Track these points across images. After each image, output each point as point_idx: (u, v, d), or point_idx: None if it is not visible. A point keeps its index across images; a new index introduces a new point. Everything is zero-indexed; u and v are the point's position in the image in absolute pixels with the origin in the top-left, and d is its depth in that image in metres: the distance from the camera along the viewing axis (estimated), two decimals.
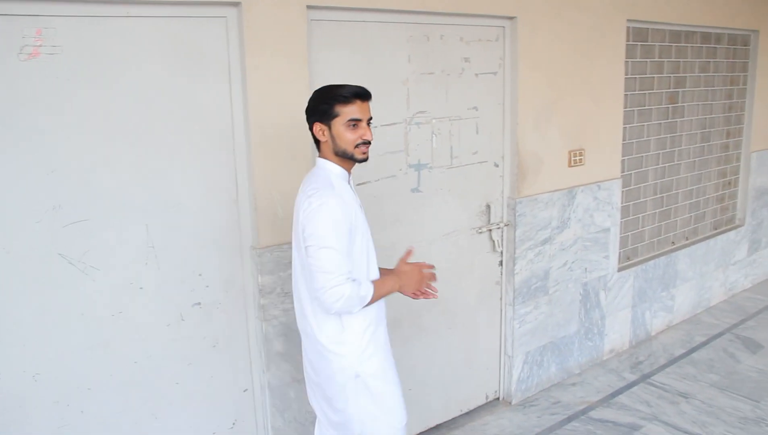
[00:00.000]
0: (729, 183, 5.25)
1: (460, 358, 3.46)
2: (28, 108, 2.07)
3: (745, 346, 4.36)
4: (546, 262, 3.66)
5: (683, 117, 4.63)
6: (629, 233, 4.37)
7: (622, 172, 4.16)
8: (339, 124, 2.02)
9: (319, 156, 2.13)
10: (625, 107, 4.07)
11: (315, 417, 2.75)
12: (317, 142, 2.12)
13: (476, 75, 3.21)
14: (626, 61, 3.97)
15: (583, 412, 3.55)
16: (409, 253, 2.25)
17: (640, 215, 4.45)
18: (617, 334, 4.25)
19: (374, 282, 2.09)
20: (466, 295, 3.42)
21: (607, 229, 4.01)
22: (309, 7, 2.55)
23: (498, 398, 3.72)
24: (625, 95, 4.05)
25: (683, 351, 4.31)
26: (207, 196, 2.48)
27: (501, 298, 3.59)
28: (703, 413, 3.48)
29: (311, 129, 2.10)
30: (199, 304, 2.52)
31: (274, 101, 2.50)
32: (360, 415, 2.14)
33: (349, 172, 2.14)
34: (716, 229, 5.20)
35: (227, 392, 2.65)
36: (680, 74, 4.51)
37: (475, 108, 3.24)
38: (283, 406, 2.72)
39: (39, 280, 2.16)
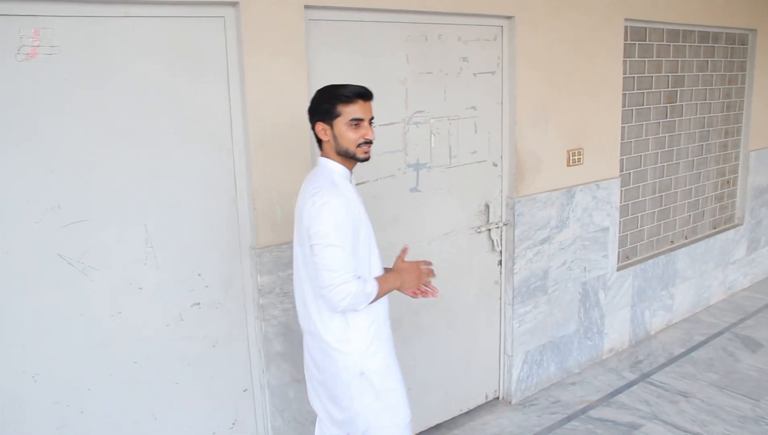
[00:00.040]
0: (728, 182, 5.25)
1: (460, 357, 3.46)
2: (26, 108, 2.07)
3: (745, 345, 4.36)
4: (545, 262, 3.66)
5: (681, 116, 4.63)
6: (628, 232, 4.37)
7: (621, 171, 4.17)
8: (341, 123, 2.04)
9: (321, 155, 2.15)
10: (624, 106, 4.08)
11: (314, 417, 2.75)
12: (319, 141, 2.13)
13: (474, 74, 3.22)
14: (624, 61, 3.98)
15: (583, 411, 3.55)
16: (404, 251, 2.28)
17: (639, 214, 4.45)
18: (617, 333, 4.25)
19: (378, 279, 2.11)
20: (466, 295, 3.42)
21: (606, 229, 4.01)
22: (307, 6, 2.55)
23: (498, 398, 3.72)
24: (624, 94, 4.05)
25: (683, 350, 4.31)
26: (206, 196, 2.48)
27: (500, 298, 3.59)
28: (703, 412, 3.49)
29: (313, 128, 2.12)
30: (199, 304, 2.52)
31: (273, 101, 2.50)
32: (365, 412, 2.16)
33: (351, 172, 2.16)
34: (715, 228, 5.21)
35: (227, 392, 2.65)
36: (678, 73, 4.51)
37: (474, 107, 3.24)
38: (282, 406, 2.72)
39: (38, 281, 2.16)
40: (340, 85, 2.06)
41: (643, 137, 4.35)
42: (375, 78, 2.79)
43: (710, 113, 4.90)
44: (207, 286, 2.53)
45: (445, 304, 3.31)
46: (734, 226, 5.31)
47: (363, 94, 2.05)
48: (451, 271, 3.30)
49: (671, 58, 4.42)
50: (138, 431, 2.44)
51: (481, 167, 3.35)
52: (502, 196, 3.47)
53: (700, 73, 4.71)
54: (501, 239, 3.50)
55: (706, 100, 4.82)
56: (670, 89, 4.47)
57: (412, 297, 2.27)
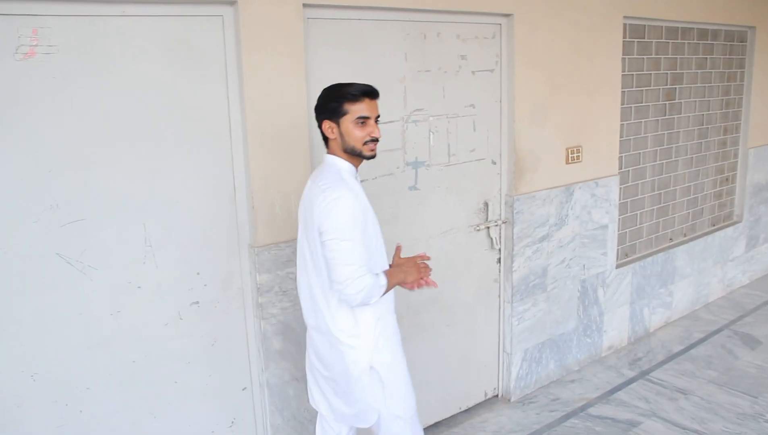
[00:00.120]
0: (726, 179, 5.26)
1: (459, 355, 3.46)
2: (24, 108, 2.07)
3: (744, 342, 4.37)
4: (544, 260, 3.66)
5: (680, 114, 4.63)
6: (627, 230, 4.37)
7: (620, 168, 4.17)
8: (348, 121, 2.06)
9: (328, 152, 2.17)
10: (622, 104, 4.08)
11: (314, 415, 2.76)
12: (326, 139, 2.16)
13: (473, 72, 3.21)
14: (623, 58, 3.98)
15: (582, 408, 3.56)
16: (398, 249, 2.34)
17: (638, 212, 4.45)
18: (616, 330, 4.26)
19: (385, 273, 2.15)
20: (465, 293, 3.42)
21: (605, 226, 4.02)
22: (305, 5, 2.55)
23: (497, 395, 3.72)
24: (622, 92, 4.05)
25: (682, 347, 4.32)
26: (205, 194, 2.48)
27: (499, 296, 3.60)
28: (702, 409, 3.49)
29: (320, 126, 2.14)
30: (198, 302, 2.52)
31: (271, 100, 2.50)
32: (376, 404, 2.19)
33: (357, 169, 2.18)
34: (714, 225, 5.21)
35: (226, 391, 2.65)
36: (677, 71, 4.51)
37: (472, 105, 3.24)
38: (281, 405, 2.73)
39: (37, 280, 2.16)
40: (346, 84, 2.08)
41: (642, 135, 4.34)
42: (373, 76, 2.78)
43: (709, 110, 4.90)
44: (206, 285, 2.53)
45: (444, 302, 3.31)
46: (733, 224, 5.31)
47: (369, 93, 2.08)
48: (450, 270, 3.30)
49: (670, 56, 4.42)
50: (137, 430, 2.44)
51: (479, 165, 3.35)
52: (501, 194, 3.47)
53: (698, 71, 4.71)
54: (500, 237, 3.51)
55: (704, 97, 4.82)
56: (668, 87, 4.47)
57: (410, 289, 2.29)
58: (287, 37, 2.51)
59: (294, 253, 2.60)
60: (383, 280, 2.09)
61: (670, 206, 4.73)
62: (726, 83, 5.01)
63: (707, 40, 4.71)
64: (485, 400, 3.67)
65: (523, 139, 3.42)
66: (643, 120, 4.32)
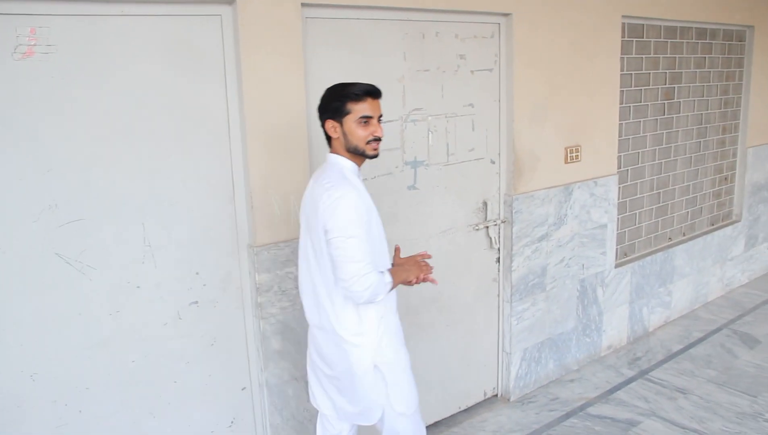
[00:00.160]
0: (725, 178, 5.26)
1: (458, 355, 3.46)
2: (23, 108, 2.07)
3: (743, 341, 4.37)
4: (543, 259, 3.66)
5: (679, 113, 4.63)
6: (626, 229, 4.37)
7: (619, 168, 4.17)
8: (351, 121, 2.08)
9: (331, 152, 2.18)
10: (621, 103, 4.08)
11: (313, 415, 2.76)
12: (328, 138, 2.17)
13: (472, 72, 3.21)
14: (622, 57, 3.98)
15: (581, 408, 3.56)
16: (397, 250, 2.37)
17: (637, 211, 4.45)
18: (615, 330, 4.26)
19: (390, 271, 2.17)
20: (464, 293, 3.42)
21: (604, 226, 4.02)
22: (304, 4, 2.55)
23: (496, 395, 3.72)
24: (621, 91, 4.05)
25: (681, 347, 4.32)
26: (203, 194, 2.48)
27: (498, 295, 3.60)
28: (701, 409, 3.49)
29: (323, 126, 2.16)
30: (197, 302, 2.52)
31: (270, 99, 2.50)
32: (380, 401, 2.21)
33: (359, 168, 2.19)
34: (713, 224, 5.21)
35: (225, 391, 2.65)
36: (676, 70, 4.52)
37: (471, 105, 3.24)
38: (281, 404, 2.73)
39: (36, 280, 2.16)
40: (349, 84, 2.10)
41: (641, 134, 4.35)
42: (372, 76, 2.78)
43: (708, 110, 4.90)
44: (205, 285, 2.53)
45: (443, 301, 3.31)
46: (732, 223, 5.31)
47: (372, 92, 2.10)
48: (450, 269, 3.30)
49: (669, 55, 4.42)
50: (137, 430, 2.44)
51: (478, 165, 3.35)
52: (499, 194, 3.47)
53: (697, 70, 4.71)
54: (499, 236, 3.51)
55: (703, 96, 4.83)
56: (667, 86, 4.47)
57: (409, 285, 2.29)
58: (286, 36, 2.51)
59: (293, 252, 2.61)
60: (388, 278, 2.11)
61: (669, 205, 4.73)
62: (724, 82, 5.01)
63: (706, 39, 4.71)
64: (485, 400, 3.67)
65: (521, 139, 3.42)
66: (641, 119, 4.32)
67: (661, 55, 4.35)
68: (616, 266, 4.21)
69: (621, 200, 4.25)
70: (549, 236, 3.67)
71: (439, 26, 3.05)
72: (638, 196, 4.43)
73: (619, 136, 4.10)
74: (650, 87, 4.32)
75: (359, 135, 2.08)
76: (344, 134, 2.10)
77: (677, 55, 4.49)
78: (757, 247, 5.61)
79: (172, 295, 2.45)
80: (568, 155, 3.69)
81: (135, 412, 2.43)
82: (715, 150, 5.07)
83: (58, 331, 2.22)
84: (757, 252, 5.63)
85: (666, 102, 4.49)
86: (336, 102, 2.08)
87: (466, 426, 3.42)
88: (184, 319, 2.49)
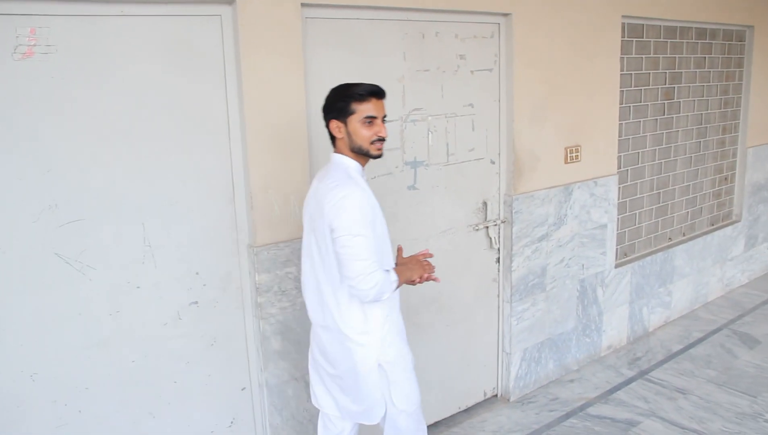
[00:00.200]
0: (725, 179, 5.26)
1: (458, 355, 3.46)
2: (23, 108, 2.07)
3: (743, 341, 4.37)
4: (543, 259, 3.66)
5: (679, 113, 4.63)
6: (626, 229, 4.37)
7: (619, 168, 4.17)
8: (355, 121, 2.09)
9: (335, 151, 2.19)
10: (621, 103, 4.08)
11: (312, 415, 2.76)
12: (333, 138, 2.18)
13: (471, 72, 3.21)
14: (621, 57, 3.98)
15: (581, 408, 3.56)
16: (400, 250, 2.39)
17: (637, 211, 4.45)
18: (615, 330, 4.26)
19: (395, 270, 2.19)
20: (464, 293, 3.42)
21: (604, 226, 4.02)
22: (303, 5, 2.55)
23: (496, 395, 3.72)
24: (621, 91, 4.05)
25: (681, 347, 4.32)
26: (203, 194, 2.48)
27: (498, 295, 3.60)
28: (701, 409, 3.49)
29: (328, 126, 2.17)
30: (197, 302, 2.52)
31: (270, 99, 2.50)
32: (383, 400, 2.22)
33: (363, 168, 2.20)
34: (713, 224, 5.21)
35: (225, 391, 2.65)
36: (676, 70, 4.52)
37: (471, 105, 3.24)
38: (281, 404, 2.72)
39: (35, 280, 2.16)
40: (354, 84, 2.11)
41: (641, 134, 4.35)
42: (372, 76, 2.78)
43: (708, 110, 4.90)
44: (205, 285, 2.53)
45: (443, 302, 3.31)
46: (732, 223, 5.31)
47: (376, 93, 2.11)
48: (449, 269, 3.30)
49: (668, 55, 4.42)
50: (136, 430, 2.44)
51: (478, 165, 3.35)
52: (499, 194, 3.47)
53: (697, 70, 4.71)
54: (499, 237, 3.51)
55: (703, 96, 4.83)
56: (667, 86, 4.47)
57: (412, 284, 2.31)
58: (286, 36, 2.51)
59: (293, 252, 2.61)
60: (394, 276, 2.13)
61: (669, 205, 4.73)
62: (724, 83, 5.01)
63: (706, 39, 4.71)
64: (484, 400, 3.67)
65: (521, 139, 3.42)
66: (641, 119, 4.32)
67: (660, 55, 4.35)
68: (616, 266, 4.21)
69: (621, 200, 4.25)
70: (549, 236, 3.67)
71: (438, 26, 3.05)
72: (638, 196, 4.43)
73: (619, 136, 4.10)
74: (650, 87, 4.32)
75: (363, 135, 2.10)
76: (348, 134, 2.11)
77: (677, 55, 4.49)
78: (757, 247, 5.61)
79: (171, 295, 2.45)
80: (568, 155, 3.69)
81: (135, 412, 2.43)
82: (715, 150, 5.07)
83: (57, 331, 2.22)
84: (757, 252, 5.63)
85: (666, 102, 4.49)
86: (340, 102, 2.10)
87: (466, 426, 3.42)
88: (184, 319, 2.49)
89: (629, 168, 4.31)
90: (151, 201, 2.35)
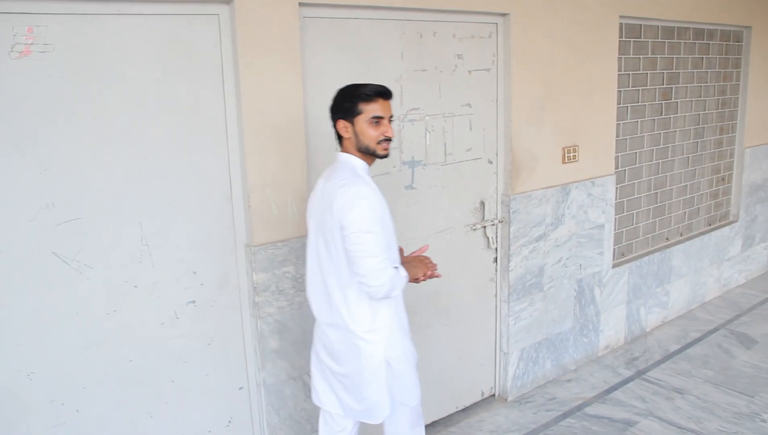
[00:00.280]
0: (723, 179, 5.27)
1: (456, 355, 3.46)
2: (20, 107, 2.06)
3: (740, 341, 4.38)
4: (540, 259, 3.67)
5: (677, 113, 4.64)
6: (623, 229, 4.38)
7: (616, 168, 4.18)
8: (362, 121, 2.11)
9: (342, 151, 2.20)
10: (619, 104, 4.09)
11: (310, 414, 2.76)
12: (340, 138, 2.20)
13: (469, 72, 3.22)
14: (619, 58, 3.98)
15: (579, 408, 3.56)
16: (401, 251, 2.37)
17: (635, 211, 4.46)
18: (612, 330, 4.26)
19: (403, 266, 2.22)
20: (462, 292, 3.43)
21: (602, 226, 4.02)
22: (301, 4, 2.55)
23: (493, 395, 3.72)
24: (618, 92, 4.06)
25: (678, 347, 4.33)
26: (201, 194, 2.48)
27: (496, 295, 3.60)
28: (698, 409, 3.50)
29: (335, 126, 2.18)
30: (194, 302, 2.52)
31: (268, 99, 2.50)
32: (386, 398, 2.22)
33: (369, 167, 2.22)
34: (710, 224, 5.22)
35: (223, 390, 2.65)
36: (673, 70, 4.52)
37: (469, 105, 3.25)
38: (278, 404, 2.72)
39: (33, 279, 2.16)
40: (361, 84, 2.13)
41: (639, 134, 4.35)
42: (370, 76, 2.79)
43: (705, 110, 4.91)
44: (202, 284, 2.53)
45: (440, 301, 3.31)
46: (729, 223, 5.32)
47: (383, 93, 2.13)
48: (447, 269, 3.28)
49: (666, 55, 4.43)
50: (134, 429, 2.44)
51: (476, 164, 3.35)
52: (497, 194, 3.48)
53: (695, 70, 4.72)
54: (496, 236, 3.51)
55: (701, 97, 4.84)
56: (665, 86, 4.48)
57: (416, 282, 2.33)
58: (283, 36, 2.51)
59: (290, 252, 2.61)
60: (404, 272, 2.17)
61: (667, 206, 4.74)
62: (722, 83, 5.02)
63: (703, 39, 4.72)
64: (482, 400, 3.67)
65: (519, 139, 3.42)
66: (639, 119, 4.33)
67: (658, 56, 4.36)
68: (614, 266, 4.21)
69: (618, 200, 4.26)
70: (546, 236, 3.67)
71: (436, 26, 3.05)
72: (636, 196, 4.44)
73: (617, 137, 4.11)
74: (648, 87, 4.33)
75: (370, 135, 2.12)
76: (355, 134, 2.13)
77: (675, 56, 4.50)
78: (754, 248, 5.62)
79: (169, 294, 2.45)
80: (566, 155, 3.70)
81: (132, 412, 2.42)
82: (712, 150, 5.08)
83: (55, 330, 2.22)
84: (754, 252, 5.64)
85: (663, 102, 4.50)
86: (348, 102, 2.12)
87: (464, 426, 3.42)
88: (182, 318, 2.49)
89: (627, 168, 4.31)
90: (148, 200, 2.35)
